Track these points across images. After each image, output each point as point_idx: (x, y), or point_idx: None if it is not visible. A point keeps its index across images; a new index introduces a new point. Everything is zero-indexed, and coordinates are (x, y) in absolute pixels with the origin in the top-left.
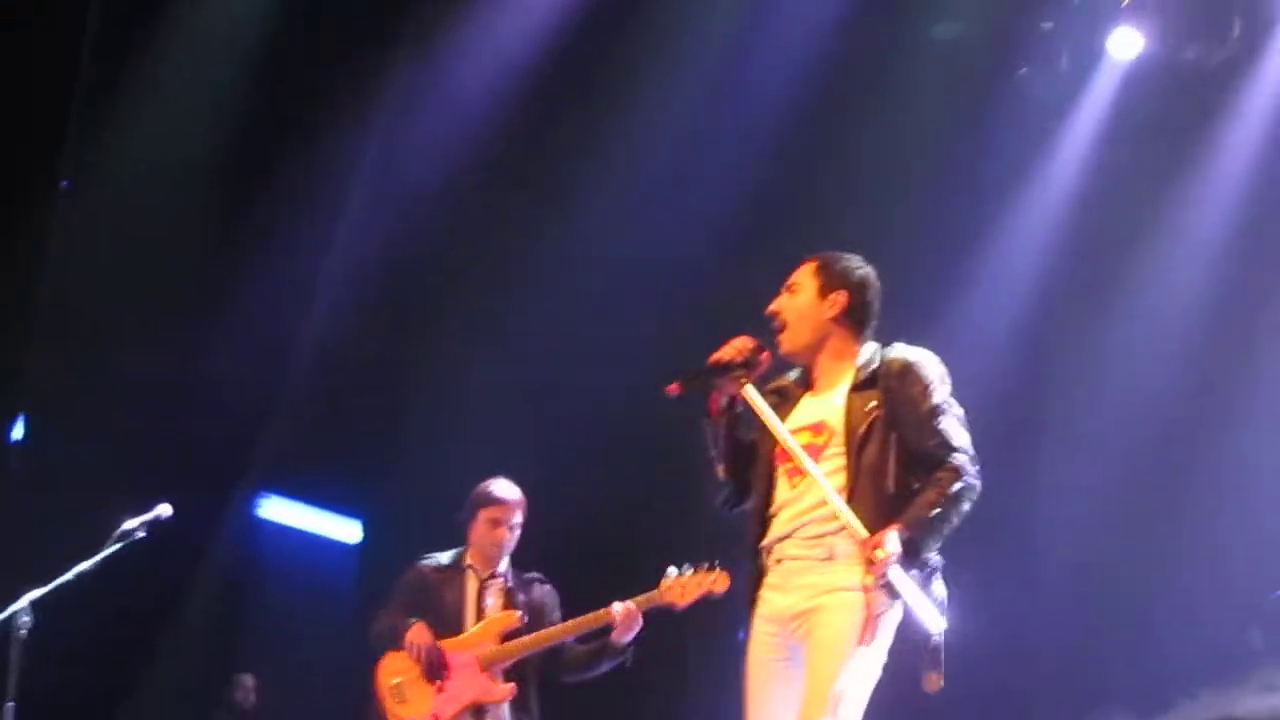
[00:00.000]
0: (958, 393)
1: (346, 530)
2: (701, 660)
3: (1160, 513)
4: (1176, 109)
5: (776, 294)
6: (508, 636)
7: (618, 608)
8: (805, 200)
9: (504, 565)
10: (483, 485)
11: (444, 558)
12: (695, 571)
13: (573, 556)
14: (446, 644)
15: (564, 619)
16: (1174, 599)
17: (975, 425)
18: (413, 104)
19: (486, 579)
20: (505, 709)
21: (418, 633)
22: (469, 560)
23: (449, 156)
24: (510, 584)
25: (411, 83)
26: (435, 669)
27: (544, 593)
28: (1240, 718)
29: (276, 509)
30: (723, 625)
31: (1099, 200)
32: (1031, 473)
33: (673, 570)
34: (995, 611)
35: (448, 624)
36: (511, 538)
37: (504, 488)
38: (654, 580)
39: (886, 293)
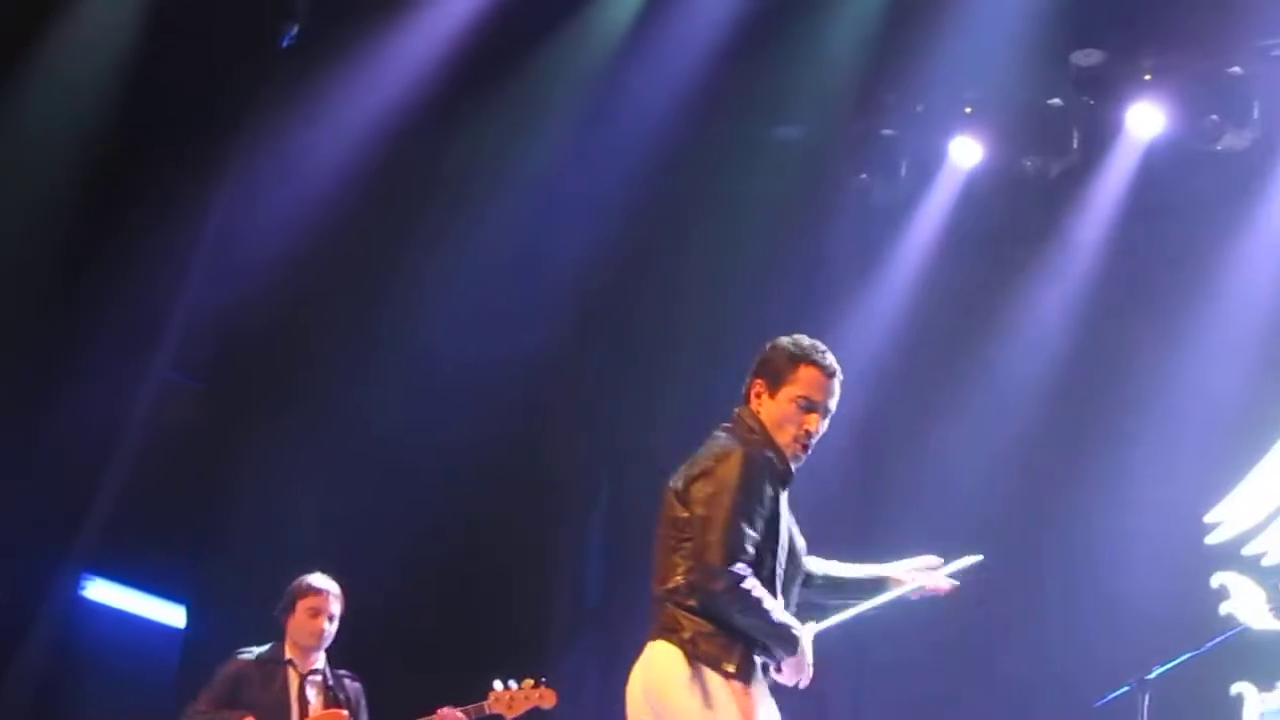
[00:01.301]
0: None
1: (170, 614)
2: None
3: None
4: (1015, 217)
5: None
6: None
7: (448, 714)
8: (644, 300)
9: (321, 661)
10: (301, 578)
11: (261, 652)
12: (521, 686)
13: (393, 656)
14: None
15: (378, 716)
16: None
17: (805, 522)
18: (255, 183)
19: (307, 674)
20: None
21: None
22: (288, 654)
23: (288, 236)
24: (329, 680)
25: (254, 162)
26: None
27: (355, 689)
28: None
29: (101, 590)
30: None
31: (935, 303)
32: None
33: (498, 684)
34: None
35: (272, 718)
36: (330, 629)
37: (322, 579)
38: (470, 686)
39: (724, 392)
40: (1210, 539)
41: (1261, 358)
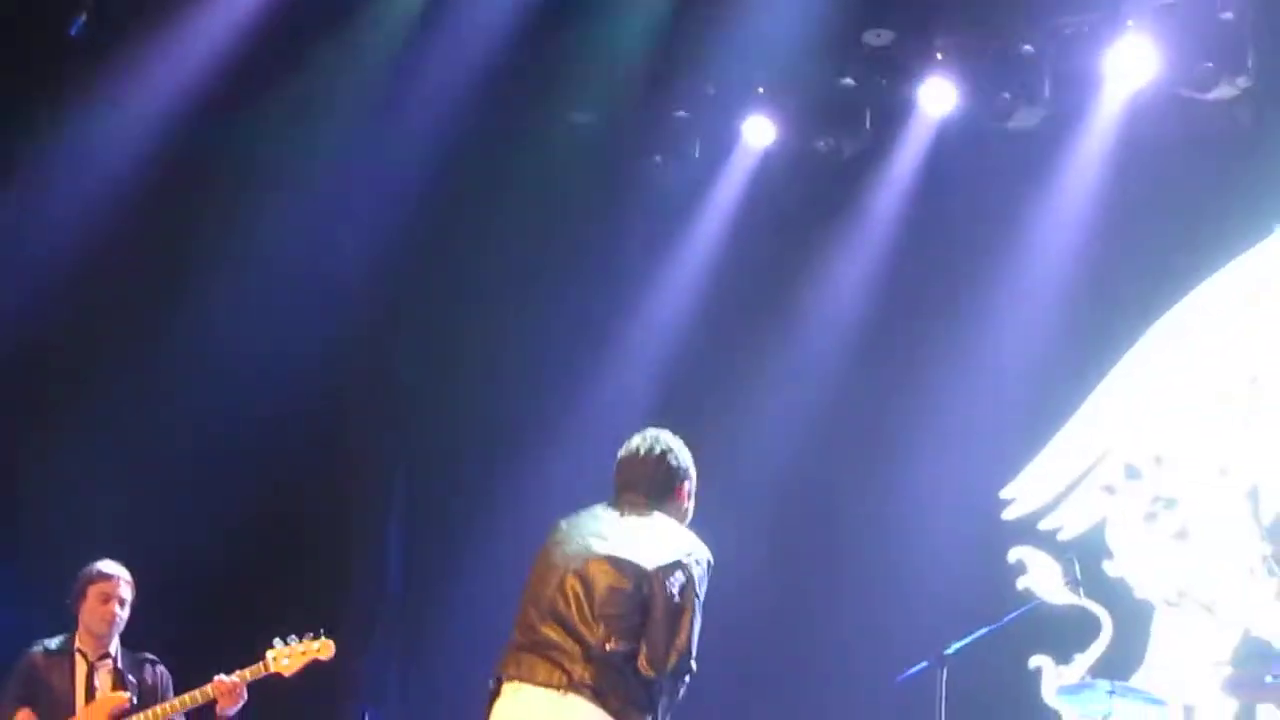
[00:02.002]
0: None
1: None
2: None
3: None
4: (810, 196)
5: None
6: (116, 717)
7: (221, 681)
8: (441, 286)
9: (114, 646)
10: (90, 565)
11: (52, 643)
12: (301, 640)
13: (190, 634)
14: None
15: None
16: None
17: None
18: (42, 176)
19: (96, 660)
20: None
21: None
22: (78, 644)
23: (77, 229)
24: (120, 664)
25: (42, 155)
26: None
27: (157, 674)
28: None
29: None
30: (329, 691)
31: (732, 284)
32: None
33: (278, 641)
34: None
35: (59, 709)
36: (122, 614)
37: (112, 565)
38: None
39: (520, 377)
40: (1006, 515)
41: (1054, 334)
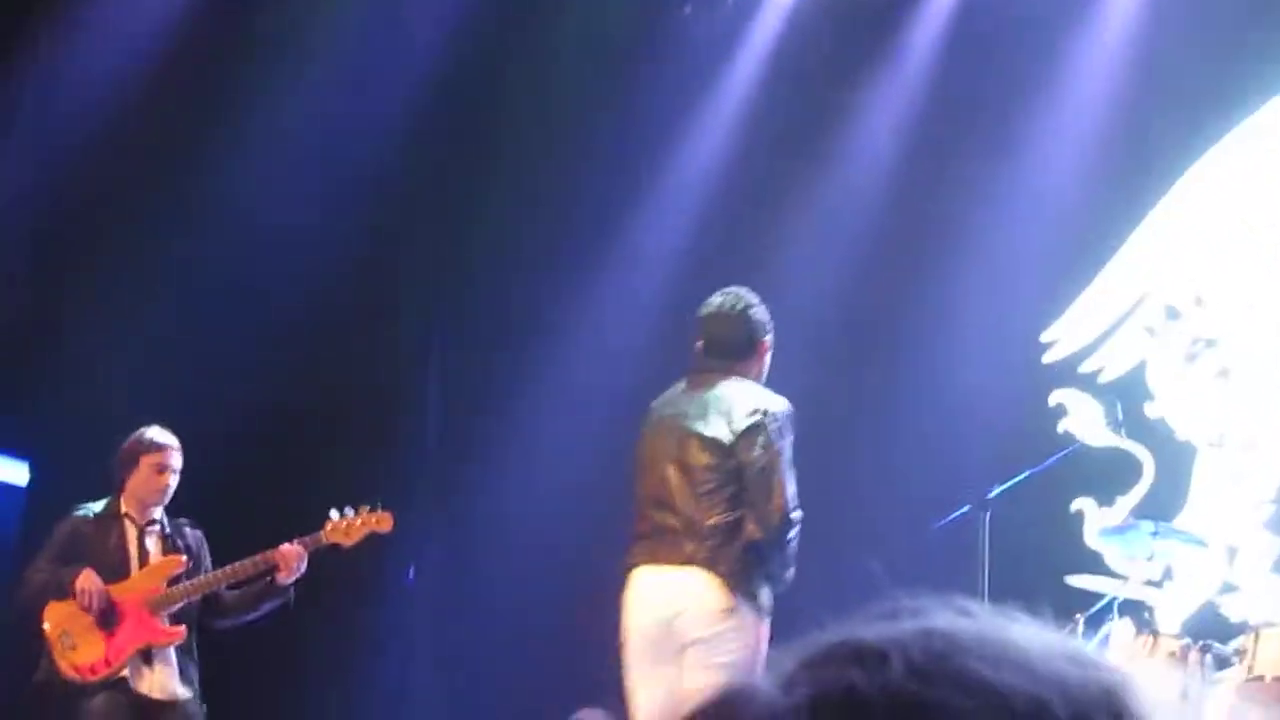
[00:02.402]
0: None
1: (12, 472)
2: (367, 598)
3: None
4: (844, 37)
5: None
6: (173, 580)
7: (283, 549)
8: (472, 147)
9: (159, 512)
10: (141, 433)
11: (96, 507)
12: (359, 512)
13: (231, 505)
14: (114, 589)
15: (221, 561)
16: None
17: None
18: (66, 51)
19: (145, 526)
20: (171, 651)
21: (87, 579)
22: (124, 508)
23: (106, 101)
24: (167, 530)
25: (64, 30)
26: (105, 615)
27: (195, 537)
28: (862, 640)
29: None
30: (389, 566)
31: (767, 129)
32: None
33: (334, 513)
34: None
35: (113, 571)
36: (174, 483)
37: (164, 434)
38: (309, 530)
39: (549, 244)
40: (1046, 358)
41: (1094, 175)
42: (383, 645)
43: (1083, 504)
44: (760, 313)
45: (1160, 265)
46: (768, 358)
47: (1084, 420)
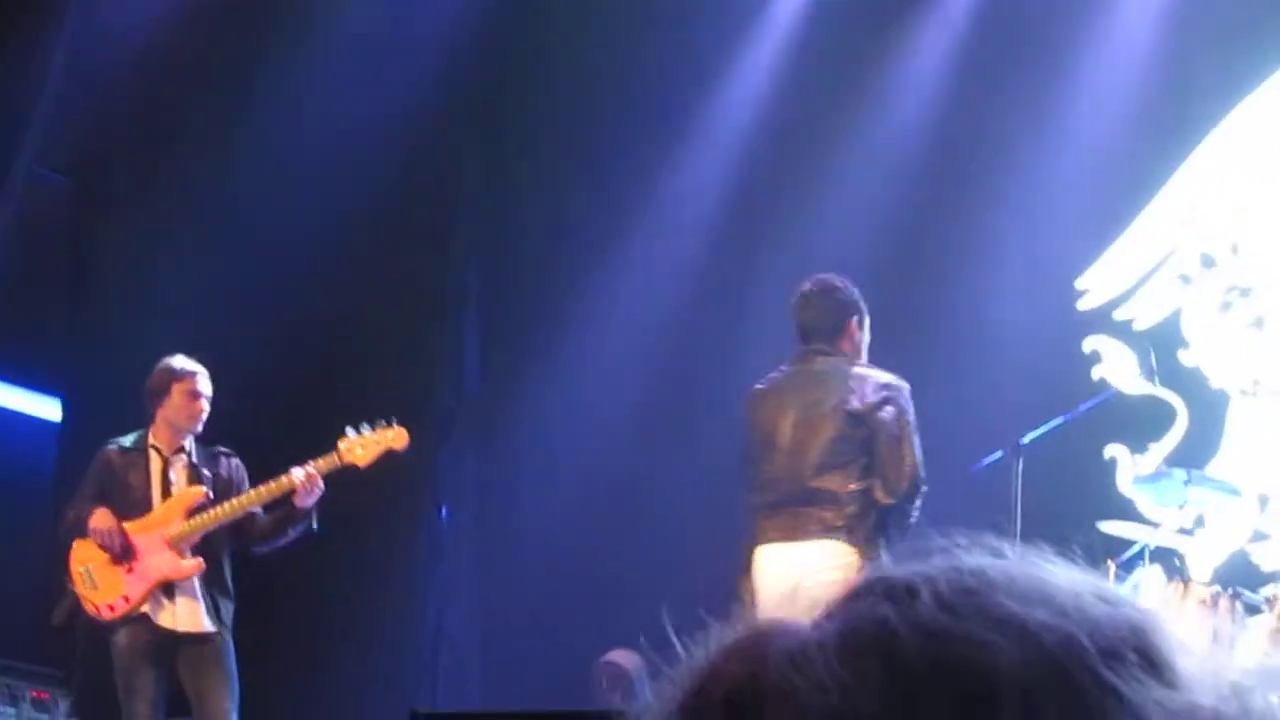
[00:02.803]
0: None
1: (45, 408)
2: (402, 536)
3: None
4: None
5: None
6: (194, 512)
7: (297, 473)
8: (512, 86)
9: (189, 442)
10: (168, 363)
11: (126, 440)
12: (374, 430)
13: (269, 436)
14: (133, 525)
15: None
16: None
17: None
18: None
19: (171, 455)
20: (196, 584)
21: (100, 518)
22: (152, 440)
23: (152, 26)
24: (195, 459)
25: None
26: (122, 552)
27: (231, 466)
28: (893, 576)
29: None
30: (424, 503)
31: (809, 69)
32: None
33: (350, 431)
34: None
35: (136, 506)
36: (207, 408)
37: (189, 361)
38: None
39: (598, 162)
40: (1081, 304)
41: (1131, 123)
42: (418, 583)
43: (1116, 451)
44: (845, 294)
45: (1196, 213)
46: (861, 335)
47: (1118, 367)
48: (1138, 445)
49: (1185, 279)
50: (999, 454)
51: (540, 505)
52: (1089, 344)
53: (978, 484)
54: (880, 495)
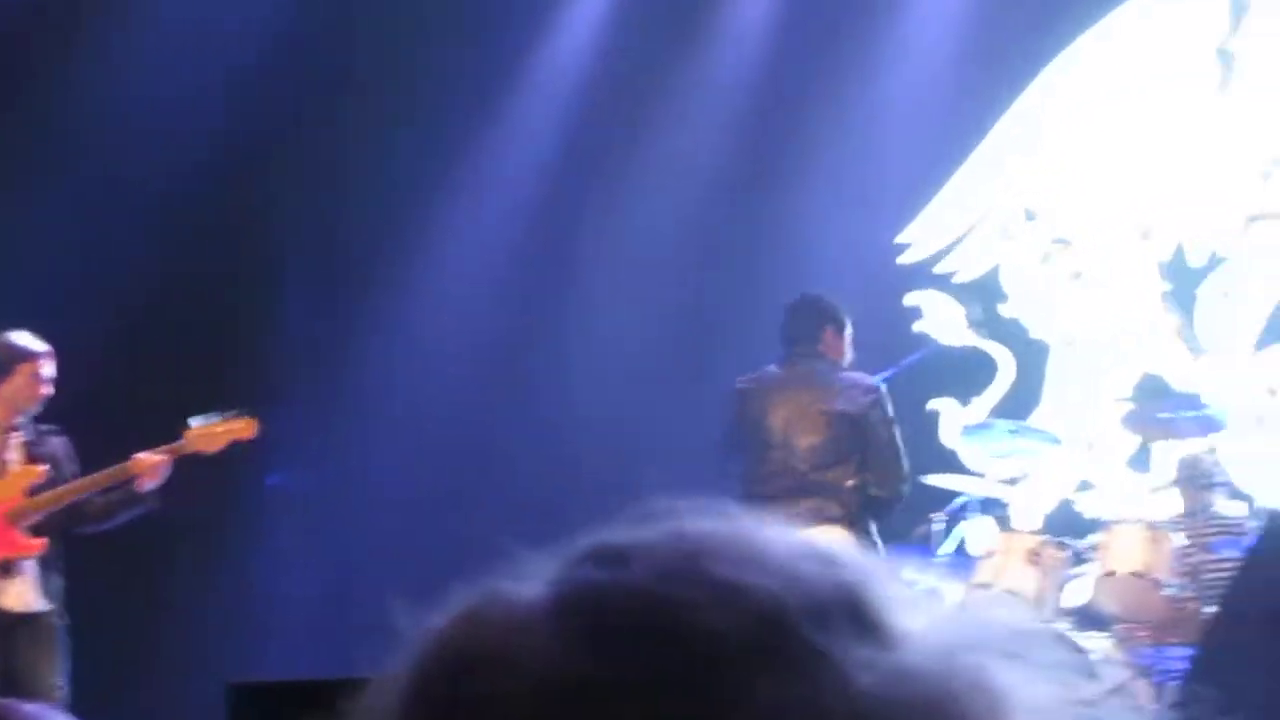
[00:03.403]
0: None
1: None
2: (231, 503)
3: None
4: None
5: None
6: (33, 491)
7: (144, 458)
8: (329, 65)
9: (21, 420)
10: (11, 340)
11: None
12: (224, 419)
13: (98, 405)
14: None
15: (86, 469)
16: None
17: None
18: None
19: (3, 434)
20: (32, 564)
21: None
22: None
23: None
24: (28, 437)
25: None
26: None
27: (59, 444)
28: (611, 541)
29: None
30: (249, 470)
31: (621, 51)
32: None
33: (197, 419)
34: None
35: None
36: (51, 391)
37: (35, 340)
38: (180, 427)
39: (422, 131)
40: (902, 259)
41: (950, 78)
42: (248, 552)
43: (940, 404)
44: (825, 305)
45: (1015, 167)
46: (842, 343)
47: (940, 321)
48: (962, 398)
49: (1005, 232)
50: None
51: (376, 469)
52: (911, 299)
53: None
54: (874, 490)
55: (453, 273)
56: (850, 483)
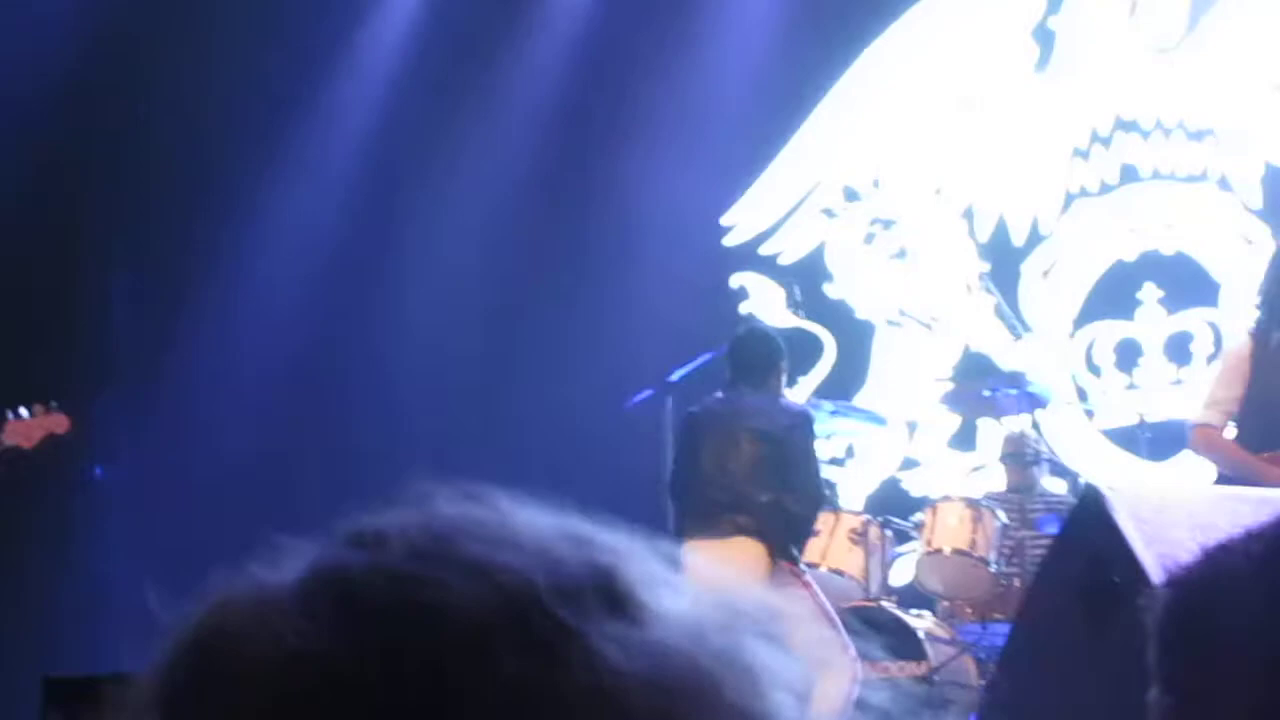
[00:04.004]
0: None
1: None
2: (57, 496)
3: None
4: None
5: None
6: None
7: None
8: (149, 37)
9: None
10: None
11: None
12: (34, 414)
13: None
14: None
15: None
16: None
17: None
18: None
19: None
20: None
21: None
22: None
23: None
24: None
25: None
26: None
27: None
28: (365, 524)
29: None
30: (62, 446)
31: (434, 47)
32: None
33: (10, 414)
34: None
35: None
36: None
37: None
38: None
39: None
40: (727, 241)
41: (771, 58)
42: (72, 545)
43: None
44: (774, 341)
45: (838, 147)
46: (783, 374)
47: (765, 302)
48: (787, 379)
49: (829, 212)
50: (649, 392)
51: (202, 458)
52: (736, 280)
53: (629, 422)
54: (791, 506)
55: (273, 260)
56: (764, 499)
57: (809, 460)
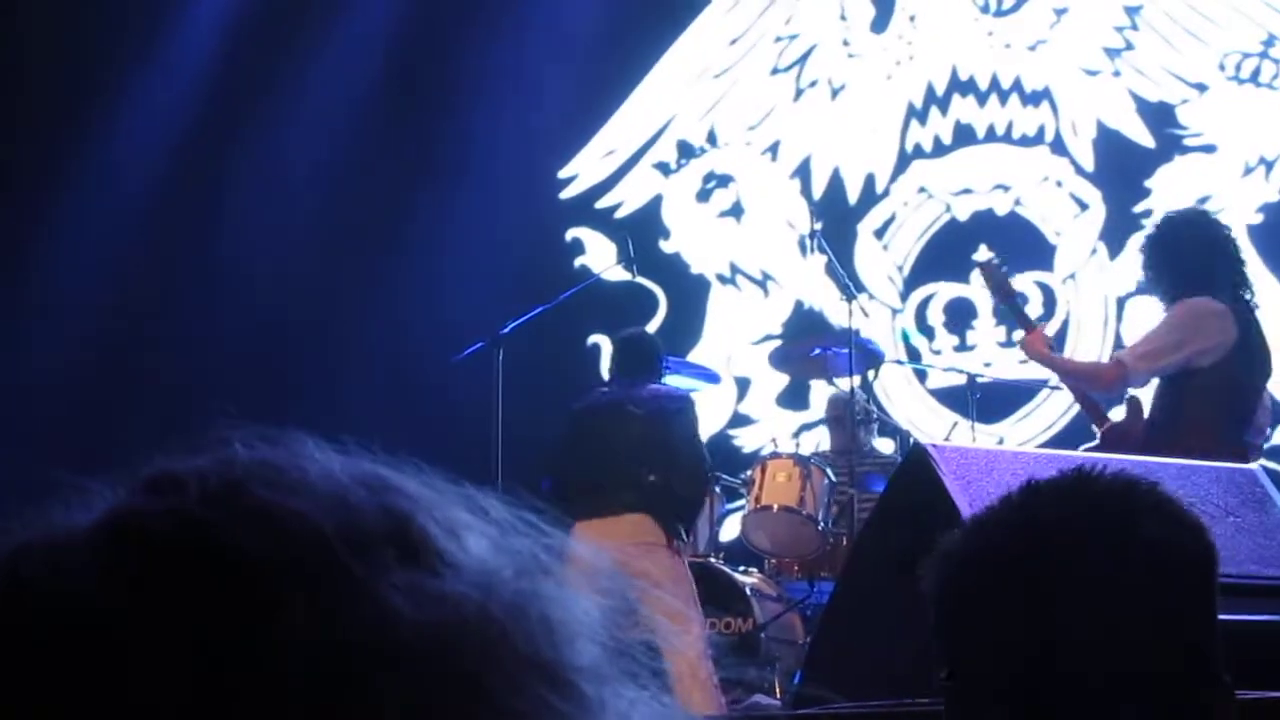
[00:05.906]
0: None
1: None
2: None
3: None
4: None
5: None
6: None
7: None
8: None
9: None
10: None
11: None
12: None
13: None
14: None
15: None
16: None
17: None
18: None
19: None
20: None
21: None
22: None
23: None
24: None
25: None
26: None
27: None
28: (163, 469)
29: None
30: None
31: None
32: None
33: None
34: None
35: None
36: None
37: None
38: None
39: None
40: (564, 194)
41: (617, 6)
42: None
43: (599, 339)
44: (656, 341)
45: (676, 102)
46: (662, 373)
47: (599, 256)
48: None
49: (664, 167)
50: (480, 344)
51: (21, 389)
52: (571, 234)
53: (460, 374)
54: (676, 486)
55: (103, 188)
56: (652, 478)
57: (693, 441)
